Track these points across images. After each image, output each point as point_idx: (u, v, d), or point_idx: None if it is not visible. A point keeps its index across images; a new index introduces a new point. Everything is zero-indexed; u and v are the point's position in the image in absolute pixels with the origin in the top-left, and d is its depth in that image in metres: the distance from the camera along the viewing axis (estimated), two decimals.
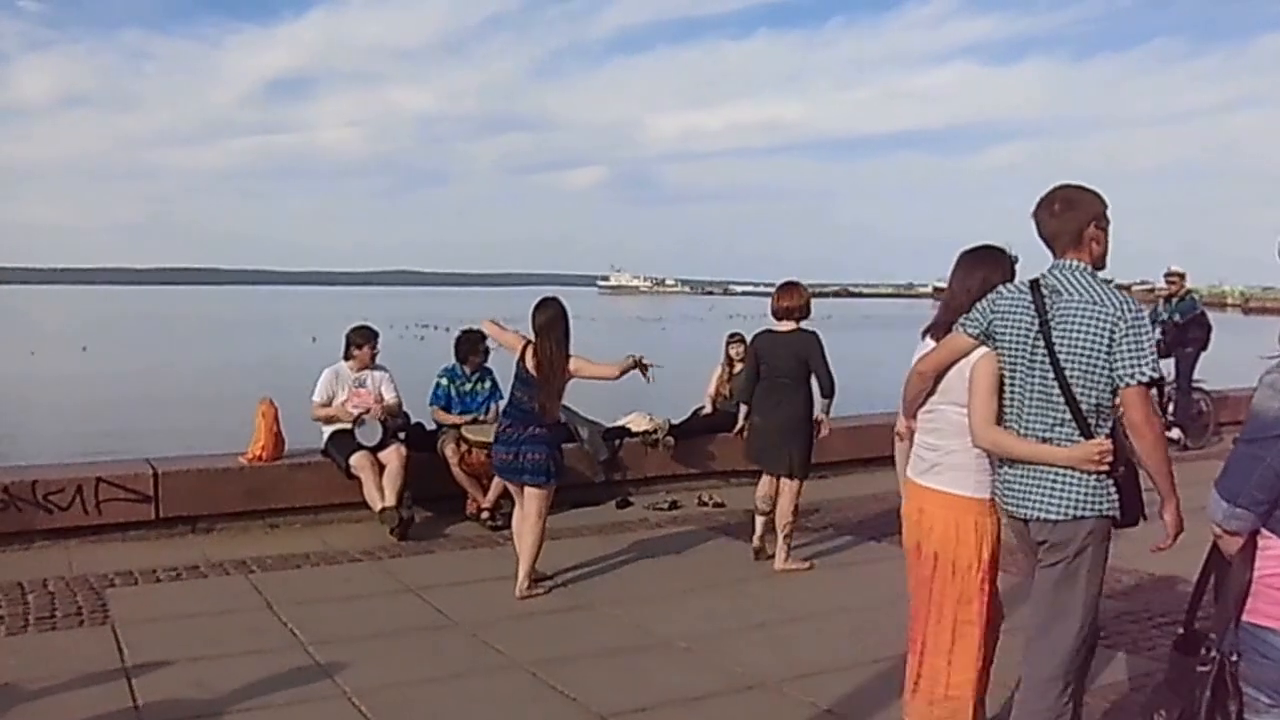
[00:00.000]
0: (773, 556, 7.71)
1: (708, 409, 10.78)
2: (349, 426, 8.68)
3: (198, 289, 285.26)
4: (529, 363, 6.93)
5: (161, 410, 24.02)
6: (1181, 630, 3.29)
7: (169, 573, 7.31)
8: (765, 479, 7.85)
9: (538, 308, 7.01)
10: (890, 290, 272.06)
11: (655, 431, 10.25)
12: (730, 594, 7.10)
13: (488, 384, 9.24)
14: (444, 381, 9.20)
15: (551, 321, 6.90)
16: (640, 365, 7.06)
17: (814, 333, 7.61)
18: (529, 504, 6.99)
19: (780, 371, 7.63)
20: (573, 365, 6.88)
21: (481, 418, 9.01)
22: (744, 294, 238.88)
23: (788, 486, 7.65)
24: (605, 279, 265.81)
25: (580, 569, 7.55)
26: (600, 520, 9.11)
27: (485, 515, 8.76)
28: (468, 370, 9.18)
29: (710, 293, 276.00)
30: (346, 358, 8.99)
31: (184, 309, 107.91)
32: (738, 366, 10.69)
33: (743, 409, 8.04)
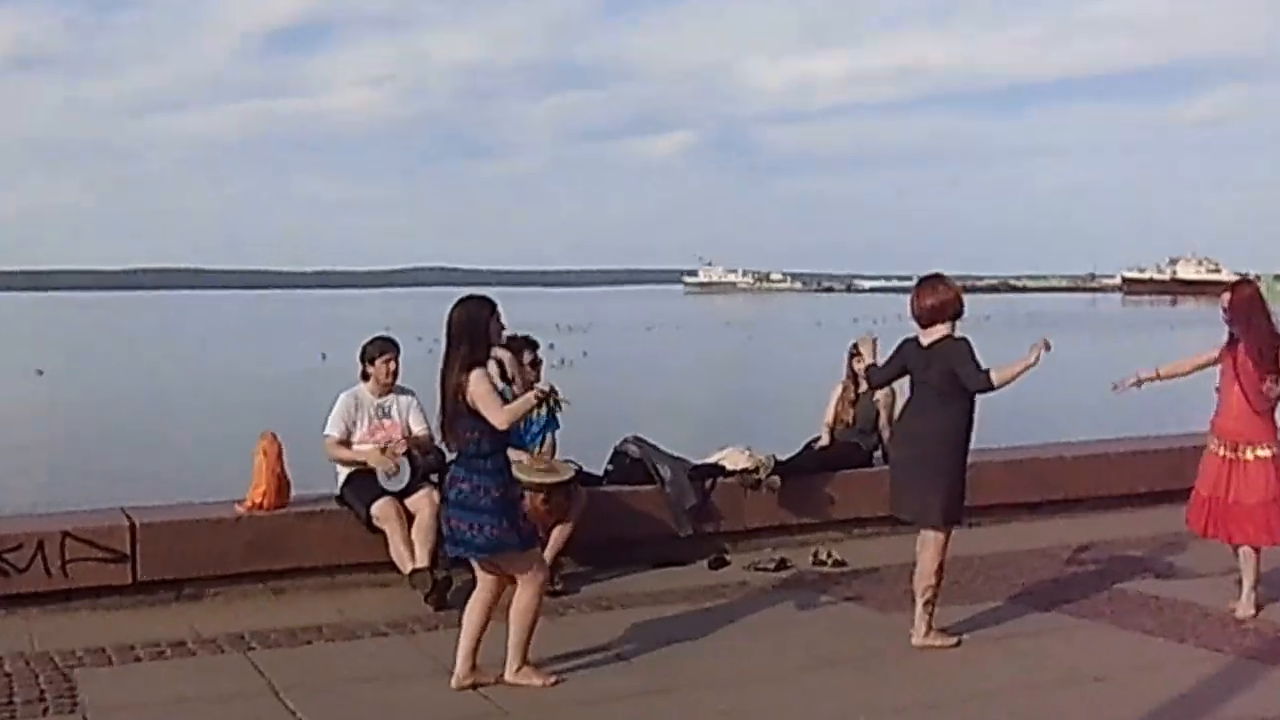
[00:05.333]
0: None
1: (825, 440, 10.75)
2: (369, 466, 8.74)
3: (180, 294, 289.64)
4: None
5: (139, 448, 24.50)
6: None
7: (150, 649, 7.46)
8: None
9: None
10: (1064, 283, 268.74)
11: (757, 470, 10.14)
12: (855, 675, 7.12)
13: (543, 409, 8.48)
14: None
15: (450, 325, 6.87)
16: (545, 398, 6.94)
17: (964, 339, 7.56)
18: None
19: (928, 388, 7.64)
20: (471, 384, 6.66)
21: (537, 451, 9.02)
22: (872, 290, 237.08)
23: (928, 539, 7.64)
24: (693, 274, 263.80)
25: (663, 644, 7.58)
26: (688, 583, 9.12)
27: None
28: (517, 392, 8.82)
29: (830, 289, 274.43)
30: (364, 379, 9.05)
31: (164, 320, 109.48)
32: (863, 386, 10.51)
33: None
